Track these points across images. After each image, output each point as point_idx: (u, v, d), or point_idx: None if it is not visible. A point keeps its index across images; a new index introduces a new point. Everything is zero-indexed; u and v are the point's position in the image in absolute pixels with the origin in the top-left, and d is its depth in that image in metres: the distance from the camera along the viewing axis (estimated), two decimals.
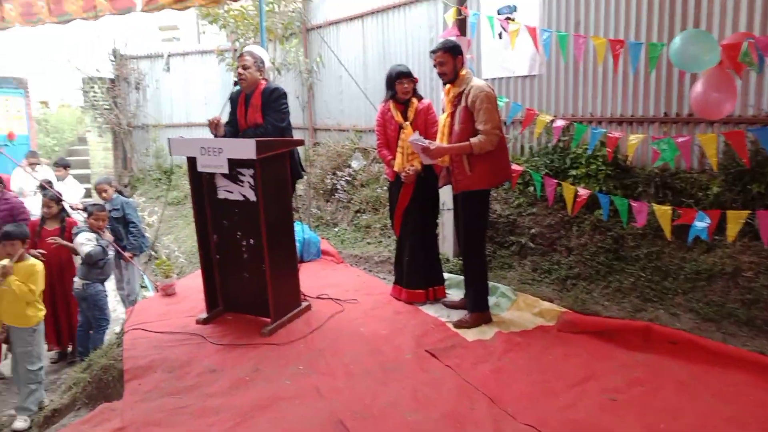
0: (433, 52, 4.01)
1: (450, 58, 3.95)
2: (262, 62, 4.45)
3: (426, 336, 3.97)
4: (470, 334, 3.98)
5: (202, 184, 4.19)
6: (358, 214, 6.86)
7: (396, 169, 4.43)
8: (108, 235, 5.30)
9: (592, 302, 4.35)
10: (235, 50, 8.53)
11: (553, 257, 5.06)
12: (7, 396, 4.95)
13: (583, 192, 4.27)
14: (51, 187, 7.47)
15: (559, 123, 4.45)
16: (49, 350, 5.60)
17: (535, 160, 5.44)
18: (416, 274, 4.52)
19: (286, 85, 8.17)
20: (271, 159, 3.94)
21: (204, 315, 4.28)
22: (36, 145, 13.06)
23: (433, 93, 6.41)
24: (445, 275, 4.93)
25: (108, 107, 11.70)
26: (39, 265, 4.55)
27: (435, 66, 4.04)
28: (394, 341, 3.88)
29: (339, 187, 7.24)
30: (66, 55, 11.85)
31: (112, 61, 12.00)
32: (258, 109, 4.36)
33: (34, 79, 12.74)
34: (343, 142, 7.95)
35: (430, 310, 4.43)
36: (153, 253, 8.34)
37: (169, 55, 11.81)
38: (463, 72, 4.00)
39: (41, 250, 4.91)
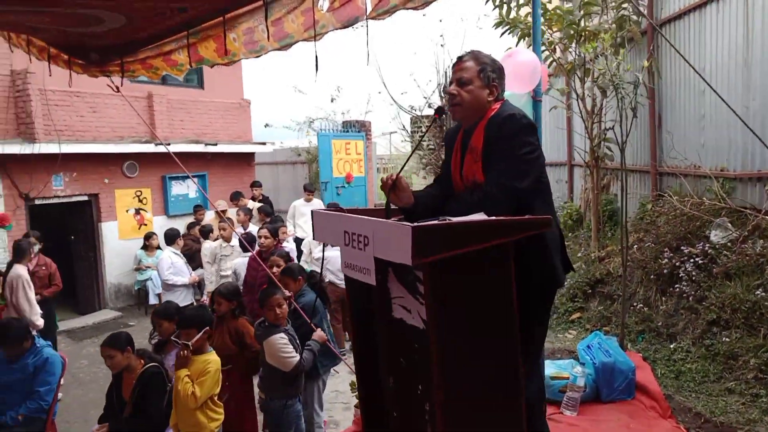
0: None
1: None
2: (496, 71, 2.39)
3: None
4: None
5: (369, 287, 2.38)
6: (715, 328, 3.93)
7: None
8: (322, 334, 3.93)
9: None
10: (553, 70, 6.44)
11: None
12: None
13: None
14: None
15: None
16: None
17: None
18: None
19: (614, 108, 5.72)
20: (461, 262, 1.89)
21: None
22: (373, 184, 13.49)
23: None
24: None
25: (432, 147, 11.06)
26: (214, 364, 3.52)
27: None
28: None
29: (683, 273, 4.37)
30: (395, 95, 11.76)
31: (441, 96, 11.37)
32: (479, 156, 2.33)
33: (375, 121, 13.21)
34: (699, 196, 4.94)
35: None
36: None
37: None
38: None
39: None
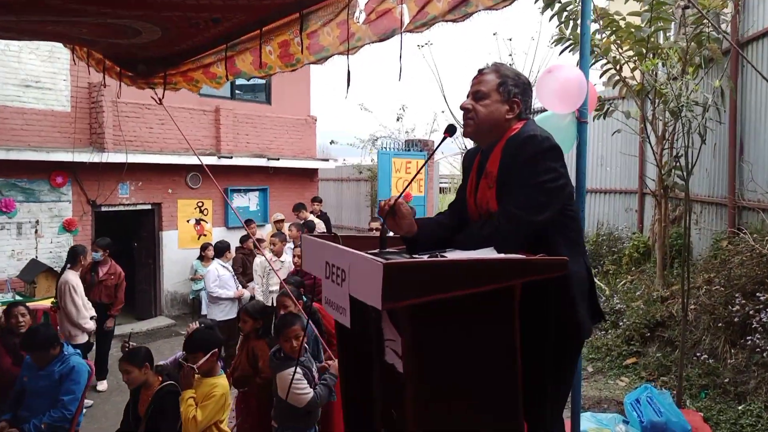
0: None
1: None
2: (519, 86, 2.10)
3: None
4: None
5: (364, 325, 2.12)
6: None
7: None
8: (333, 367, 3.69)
9: None
10: (624, 93, 5.95)
11: None
12: None
13: None
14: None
15: None
16: None
17: None
18: None
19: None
20: (451, 306, 1.61)
21: None
22: (433, 205, 13.20)
23: None
24: None
25: None
26: (220, 389, 3.37)
27: None
28: None
29: (758, 323, 3.80)
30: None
31: None
32: (493, 182, 2.04)
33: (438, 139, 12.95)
34: None
35: None
36: None
37: None
38: None
39: None
